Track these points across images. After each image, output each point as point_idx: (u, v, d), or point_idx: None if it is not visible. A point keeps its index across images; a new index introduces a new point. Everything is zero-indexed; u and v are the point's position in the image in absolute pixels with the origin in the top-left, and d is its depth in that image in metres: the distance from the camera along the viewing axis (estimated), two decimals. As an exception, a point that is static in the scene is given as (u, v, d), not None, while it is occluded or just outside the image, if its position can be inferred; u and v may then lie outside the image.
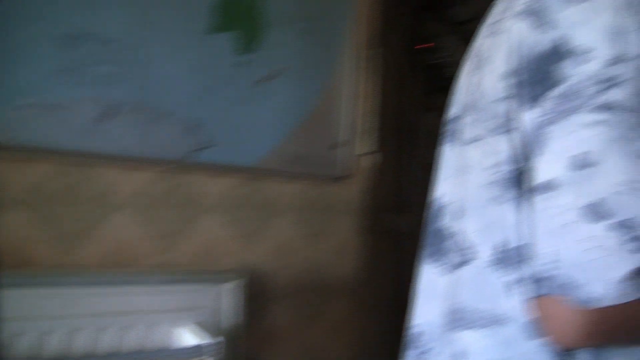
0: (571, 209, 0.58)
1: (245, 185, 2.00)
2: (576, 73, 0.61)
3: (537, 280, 0.62)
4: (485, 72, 0.74)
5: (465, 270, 0.73)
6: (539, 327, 0.65)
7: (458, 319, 0.73)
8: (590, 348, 0.64)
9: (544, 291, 0.62)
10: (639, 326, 0.61)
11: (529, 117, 0.65)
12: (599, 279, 0.57)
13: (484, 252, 0.71)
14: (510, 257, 0.68)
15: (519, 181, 0.68)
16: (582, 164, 0.58)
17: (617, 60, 0.59)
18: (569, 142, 0.60)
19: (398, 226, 2.86)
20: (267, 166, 2.01)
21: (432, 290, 0.79)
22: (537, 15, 0.65)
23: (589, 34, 0.61)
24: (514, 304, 0.67)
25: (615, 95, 0.58)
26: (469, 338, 0.71)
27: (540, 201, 0.62)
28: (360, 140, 2.29)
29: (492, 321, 0.69)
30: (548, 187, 0.61)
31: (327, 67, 2.14)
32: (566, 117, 0.60)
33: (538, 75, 0.64)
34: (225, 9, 1.86)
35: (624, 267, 0.56)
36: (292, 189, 2.10)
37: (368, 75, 2.32)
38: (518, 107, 0.67)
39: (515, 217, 0.67)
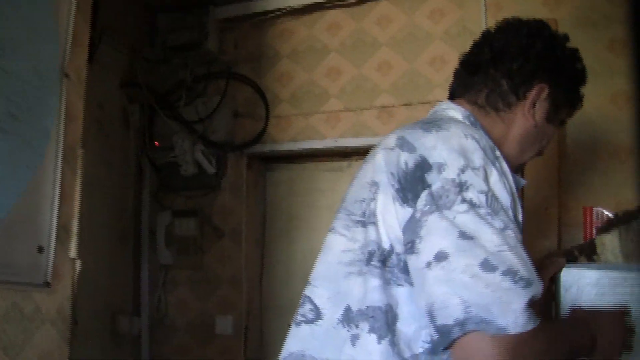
0: (474, 265, 0.76)
1: None
2: (439, 179, 0.82)
3: (453, 327, 0.77)
4: (354, 184, 0.98)
5: (317, 325, 0.92)
6: None
7: None
8: None
9: (460, 333, 0.76)
10: (543, 351, 0.80)
11: (402, 213, 0.85)
12: (506, 312, 0.75)
13: (335, 313, 0.90)
14: (354, 317, 0.87)
15: (369, 261, 0.87)
16: (466, 237, 0.78)
17: (463, 169, 0.83)
18: (449, 225, 0.79)
19: (133, 329, 2.72)
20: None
21: (293, 334, 0.97)
22: (405, 145, 0.89)
23: (441, 153, 0.85)
24: (356, 351, 0.86)
25: (470, 194, 0.80)
26: None
27: (438, 268, 0.78)
28: (70, 243, 2.16)
29: None
30: (441, 257, 0.78)
31: (30, 167, 2.02)
32: (442, 209, 0.80)
33: (408, 184, 0.85)
34: None
35: (521, 300, 0.75)
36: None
37: (78, 175, 2.22)
38: (383, 207, 0.87)
39: (360, 287, 0.87)
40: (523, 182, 1.01)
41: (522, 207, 0.91)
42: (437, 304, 0.79)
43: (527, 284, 0.77)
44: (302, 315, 0.97)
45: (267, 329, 2.88)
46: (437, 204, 0.81)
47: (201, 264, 2.80)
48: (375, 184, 0.91)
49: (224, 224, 2.77)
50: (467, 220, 0.80)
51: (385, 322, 0.85)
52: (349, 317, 0.89)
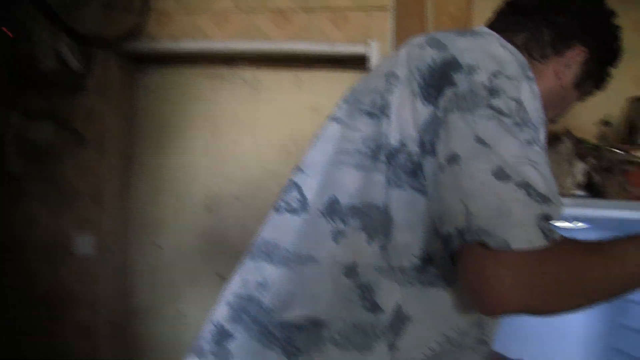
0: (486, 171, 0.68)
1: None
2: (467, 80, 0.75)
3: (454, 236, 0.69)
4: (370, 75, 0.91)
5: (300, 217, 0.83)
6: (469, 282, 0.68)
7: (270, 252, 0.84)
8: (521, 308, 0.67)
9: (460, 243, 0.68)
10: (575, 277, 0.69)
11: (423, 110, 0.77)
12: (511, 225, 0.65)
13: (319, 204, 0.81)
14: (342, 211, 0.79)
15: (376, 155, 0.79)
16: (481, 142, 0.70)
17: (496, 74, 0.75)
18: (469, 127, 0.71)
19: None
20: None
21: (272, 221, 0.89)
22: (435, 43, 0.82)
23: (476, 55, 0.78)
24: (339, 249, 0.77)
25: (498, 102, 0.73)
26: (272, 271, 0.82)
27: (448, 172, 0.71)
28: None
29: (305, 260, 0.79)
30: (453, 160, 0.70)
31: None
32: (465, 110, 0.73)
33: (433, 81, 0.78)
34: None
35: (532, 213, 0.66)
36: None
37: None
38: (400, 101, 0.79)
39: (357, 181, 0.79)
40: None
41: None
42: (444, 210, 0.71)
43: (544, 200, 0.67)
44: (286, 203, 0.88)
45: (133, 249, 2.63)
46: (460, 105, 0.74)
47: (57, 175, 2.45)
48: (394, 76, 0.83)
49: (86, 130, 2.44)
50: (488, 126, 0.71)
51: (382, 223, 0.77)
52: (334, 210, 0.80)
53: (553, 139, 1.74)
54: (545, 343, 1.97)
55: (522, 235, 0.65)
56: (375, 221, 0.77)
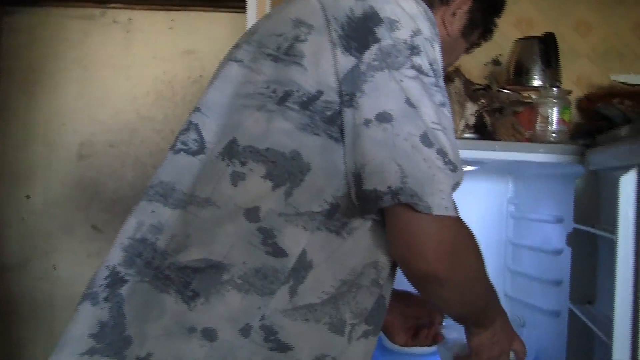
0: (415, 135, 0.71)
1: None
2: (391, 37, 0.76)
3: (384, 194, 0.70)
4: (271, 18, 0.89)
5: (197, 159, 0.81)
6: (400, 240, 0.74)
7: (166, 194, 0.81)
8: (445, 272, 0.74)
9: (391, 202, 0.71)
10: (471, 259, 0.79)
11: (343, 60, 0.76)
12: (435, 191, 0.70)
13: (218, 146, 0.79)
14: (242, 154, 0.77)
15: (283, 101, 0.77)
16: (411, 104, 0.73)
17: (416, 32, 0.77)
18: (397, 86, 0.74)
19: None
20: None
21: (169, 161, 0.85)
22: None
23: (395, 9, 0.78)
24: (237, 192, 0.76)
25: (419, 60, 0.76)
26: (168, 213, 0.79)
27: (379, 129, 0.72)
28: None
29: (203, 202, 0.77)
30: (385, 119, 0.72)
31: None
32: (391, 68, 0.75)
33: (353, 32, 0.77)
34: None
35: (449, 182, 0.72)
36: None
37: None
38: (317, 50, 0.78)
39: (259, 124, 0.78)
40: None
41: None
42: (371, 167, 0.72)
43: (454, 168, 0.73)
44: (184, 144, 0.84)
45: (1, 200, 2.52)
46: (387, 62, 0.76)
47: None
48: (306, 24, 0.82)
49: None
50: (413, 87, 0.75)
51: (288, 170, 0.76)
52: (232, 152, 0.78)
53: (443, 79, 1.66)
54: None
55: (442, 203, 0.71)
56: (280, 167, 0.76)
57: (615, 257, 1.03)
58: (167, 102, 2.52)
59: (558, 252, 1.55)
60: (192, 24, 2.51)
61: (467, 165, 1.63)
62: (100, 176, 2.53)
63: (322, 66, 0.78)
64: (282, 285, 0.73)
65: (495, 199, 1.92)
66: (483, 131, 1.56)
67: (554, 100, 1.52)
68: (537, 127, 1.52)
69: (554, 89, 1.56)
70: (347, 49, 0.77)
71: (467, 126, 1.57)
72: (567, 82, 1.73)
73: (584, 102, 1.78)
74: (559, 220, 1.59)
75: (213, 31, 2.48)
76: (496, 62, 1.88)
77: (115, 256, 0.80)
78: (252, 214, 0.75)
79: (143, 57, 2.51)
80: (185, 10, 2.50)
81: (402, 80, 0.75)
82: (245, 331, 0.71)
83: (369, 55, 0.76)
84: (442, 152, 0.72)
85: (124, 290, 0.76)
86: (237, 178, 0.76)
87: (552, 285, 1.59)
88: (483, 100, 1.62)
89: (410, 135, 0.72)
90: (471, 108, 1.63)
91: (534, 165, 1.61)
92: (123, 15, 2.52)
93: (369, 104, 0.74)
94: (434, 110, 0.75)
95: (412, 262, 0.74)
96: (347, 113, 0.75)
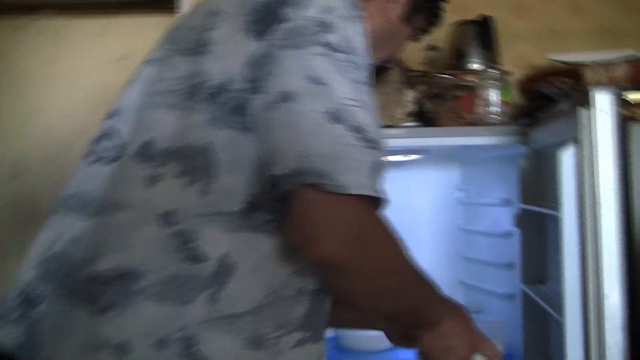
0: (317, 112, 0.67)
1: None
2: (298, 16, 0.73)
3: (289, 177, 0.65)
4: (187, 15, 0.87)
5: (109, 166, 0.76)
6: (299, 223, 0.66)
7: (79, 206, 0.77)
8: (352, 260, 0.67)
9: (297, 184, 0.65)
10: (389, 250, 0.72)
11: (250, 46, 0.73)
12: (349, 169, 0.65)
13: (132, 149, 0.75)
14: (159, 155, 0.72)
15: (193, 94, 0.74)
16: (316, 81, 0.69)
17: (326, 9, 0.74)
18: (303, 65, 0.70)
19: None
20: None
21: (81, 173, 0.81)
22: None
23: None
24: (152, 194, 0.71)
25: (331, 37, 0.72)
26: (80, 224, 0.74)
27: (282, 110, 0.68)
28: None
29: (115, 208, 0.72)
30: (287, 98, 0.68)
31: None
32: (298, 47, 0.71)
33: (259, 16, 0.75)
34: None
35: (366, 159, 0.67)
36: None
37: None
38: (226, 37, 0.75)
39: (173, 122, 0.73)
40: None
41: None
42: (278, 151, 0.68)
43: (374, 145, 0.69)
44: (95, 153, 0.80)
45: None
46: (293, 42, 0.72)
47: None
48: (216, 13, 0.79)
49: None
50: (322, 63, 0.70)
51: (204, 165, 0.71)
52: (149, 154, 0.73)
53: (380, 69, 1.63)
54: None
55: (358, 180, 0.65)
56: (196, 164, 0.71)
57: (561, 234, 1.01)
58: (101, 112, 2.42)
59: (508, 235, 1.55)
60: (124, 29, 2.42)
61: (412, 154, 1.61)
62: (37, 194, 2.41)
63: (229, 53, 0.75)
64: (201, 292, 0.67)
65: (444, 187, 1.90)
66: (424, 118, 1.53)
67: (494, 82, 1.51)
68: (479, 110, 1.50)
69: (493, 71, 1.54)
70: (255, 34, 0.74)
71: (407, 114, 1.55)
72: (507, 64, 1.72)
73: (525, 82, 1.78)
74: (507, 203, 1.58)
75: (146, 36, 2.38)
76: (433, 47, 1.86)
77: (26, 275, 0.75)
78: (168, 217, 0.70)
79: (74, 66, 2.41)
80: (116, 16, 2.41)
81: (308, 58, 0.71)
82: (163, 343, 0.66)
83: (275, 36, 0.73)
84: (356, 129, 0.67)
85: (40, 309, 0.72)
86: (151, 180, 0.72)
87: (505, 269, 1.58)
88: (422, 87, 1.60)
89: (315, 112, 0.67)
90: (410, 95, 1.61)
91: (479, 149, 1.60)
92: (52, 24, 2.42)
93: (274, 86, 0.70)
94: (347, 86, 0.70)
95: (306, 246, 0.66)
96: (255, 99, 0.71)
